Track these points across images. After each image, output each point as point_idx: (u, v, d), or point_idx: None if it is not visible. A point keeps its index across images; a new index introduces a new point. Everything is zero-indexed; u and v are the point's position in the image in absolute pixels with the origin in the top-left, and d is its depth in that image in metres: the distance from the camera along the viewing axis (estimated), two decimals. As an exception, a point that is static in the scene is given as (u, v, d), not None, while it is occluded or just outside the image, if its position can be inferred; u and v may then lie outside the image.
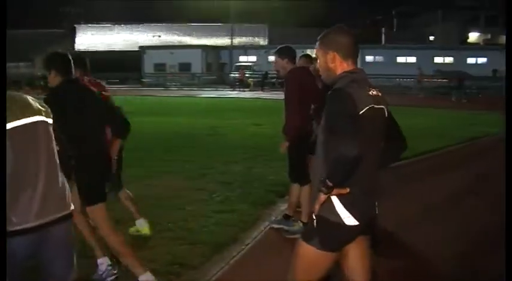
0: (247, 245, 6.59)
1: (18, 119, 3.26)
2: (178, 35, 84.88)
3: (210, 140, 14.94)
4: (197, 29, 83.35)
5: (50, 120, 3.50)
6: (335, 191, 3.27)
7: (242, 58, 66.92)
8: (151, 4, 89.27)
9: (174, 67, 66.22)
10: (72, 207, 3.55)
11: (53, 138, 3.47)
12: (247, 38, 79.48)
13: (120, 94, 38.89)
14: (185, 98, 37.41)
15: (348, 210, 3.34)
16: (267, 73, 50.32)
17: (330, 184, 3.23)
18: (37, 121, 3.38)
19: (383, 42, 76.24)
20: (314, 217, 3.40)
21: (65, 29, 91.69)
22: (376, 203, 3.62)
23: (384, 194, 3.89)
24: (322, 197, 3.28)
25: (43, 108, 3.49)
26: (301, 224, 6.72)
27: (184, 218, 7.42)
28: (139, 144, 13.85)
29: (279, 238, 6.84)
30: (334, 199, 3.34)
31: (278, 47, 6.85)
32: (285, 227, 7.02)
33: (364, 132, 3.21)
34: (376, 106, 3.37)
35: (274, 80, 48.17)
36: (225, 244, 6.43)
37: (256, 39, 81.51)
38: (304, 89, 6.52)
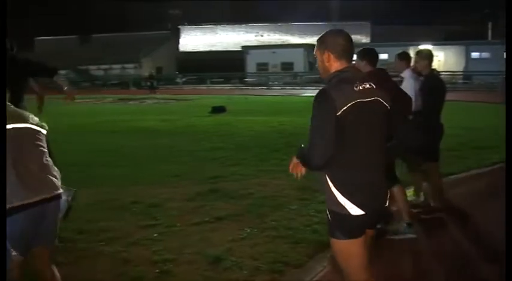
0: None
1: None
2: (280, 34, 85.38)
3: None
4: (299, 28, 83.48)
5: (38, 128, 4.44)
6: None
7: (344, 56, 66.34)
8: (254, 4, 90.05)
9: (276, 66, 66.56)
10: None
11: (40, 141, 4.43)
12: (350, 36, 78.96)
13: (224, 93, 39.51)
14: (287, 97, 37.55)
15: (349, 200, 3.60)
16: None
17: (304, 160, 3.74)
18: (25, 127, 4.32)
19: (489, 37, 73.60)
20: (327, 212, 3.75)
21: (169, 30, 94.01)
22: (385, 195, 3.86)
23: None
24: (295, 161, 3.88)
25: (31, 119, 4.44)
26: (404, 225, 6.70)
27: (287, 217, 7.47)
28: (243, 143, 14.13)
29: (384, 238, 6.75)
30: (335, 191, 3.64)
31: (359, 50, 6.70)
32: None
33: (351, 127, 3.54)
34: (364, 99, 3.59)
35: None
36: (328, 244, 6.42)
37: (358, 37, 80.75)
38: None
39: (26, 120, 4.37)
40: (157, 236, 6.70)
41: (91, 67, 79.11)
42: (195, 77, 66.36)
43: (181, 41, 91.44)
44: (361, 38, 78.56)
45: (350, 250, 3.74)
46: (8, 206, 3.98)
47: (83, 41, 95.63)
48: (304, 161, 3.80)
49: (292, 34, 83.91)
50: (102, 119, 22.24)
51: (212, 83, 61.87)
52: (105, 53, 78.52)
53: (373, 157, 3.70)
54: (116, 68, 76.70)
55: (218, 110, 24.08)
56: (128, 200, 8.41)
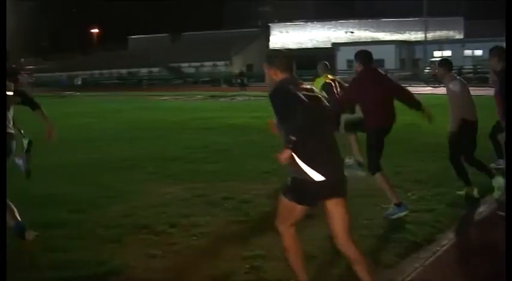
0: (442, 246, 6.41)
1: None
2: (370, 30, 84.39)
3: (406, 138, 14.65)
4: (390, 24, 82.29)
5: None
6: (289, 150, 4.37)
7: (436, 53, 64.94)
8: (344, 0, 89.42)
9: (367, 64, 65.79)
10: None
11: None
12: (442, 32, 77.03)
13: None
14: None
15: (311, 168, 4.42)
16: (461, 68, 48.26)
17: (288, 145, 4.35)
18: None
19: None
20: (289, 178, 4.63)
21: (259, 28, 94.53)
22: (340, 165, 4.78)
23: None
24: (287, 152, 4.39)
25: None
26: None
27: (379, 216, 7.39)
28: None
29: (477, 240, 6.59)
30: (300, 162, 4.44)
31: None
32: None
33: (304, 114, 4.36)
34: (310, 94, 4.62)
35: (470, 75, 46.10)
36: (421, 244, 6.31)
37: (451, 33, 78.75)
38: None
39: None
40: (249, 232, 6.75)
41: (183, 65, 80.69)
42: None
43: (271, 38, 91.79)
44: (454, 34, 76.63)
45: (293, 212, 4.74)
46: None
47: (174, 39, 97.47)
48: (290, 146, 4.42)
49: (383, 30, 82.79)
50: (194, 116, 22.65)
51: (302, 80, 61.85)
52: (196, 51, 79.88)
53: (326, 135, 4.70)
54: (207, 66, 77.95)
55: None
56: (219, 196, 8.52)
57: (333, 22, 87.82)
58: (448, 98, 8.31)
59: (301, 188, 4.54)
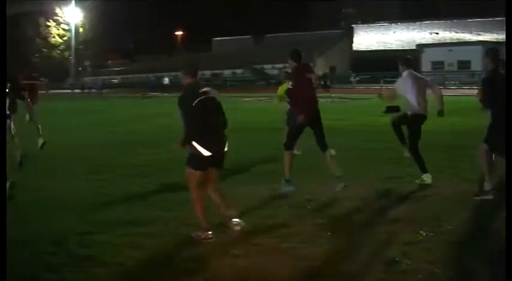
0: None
1: None
2: (456, 31, 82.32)
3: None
4: (476, 25, 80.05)
5: None
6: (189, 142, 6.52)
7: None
8: (428, 1, 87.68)
9: (453, 65, 64.39)
10: None
11: None
12: (531, 31, 74.45)
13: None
14: (463, 98, 36.08)
15: (203, 147, 6.51)
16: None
17: (188, 135, 6.51)
18: None
19: None
20: (188, 156, 6.74)
21: (343, 29, 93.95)
22: (223, 145, 6.76)
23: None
24: (180, 142, 6.61)
25: None
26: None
27: (466, 222, 7.24)
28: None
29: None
30: (196, 144, 6.51)
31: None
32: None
33: (202, 112, 6.46)
34: (207, 97, 6.58)
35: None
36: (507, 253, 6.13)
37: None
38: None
39: None
40: (332, 235, 6.73)
41: (266, 66, 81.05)
42: (368, 76, 65.84)
43: (354, 39, 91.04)
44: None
45: (193, 176, 6.72)
46: None
47: (258, 41, 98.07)
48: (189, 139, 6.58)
49: (469, 31, 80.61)
50: (276, 118, 22.69)
51: (386, 82, 61.09)
52: (279, 53, 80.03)
53: (217, 127, 6.74)
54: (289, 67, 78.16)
55: (392, 109, 23.60)
56: (302, 198, 8.54)
57: (418, 23, 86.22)
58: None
59: (196, 161, 6.64)
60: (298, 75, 9.32)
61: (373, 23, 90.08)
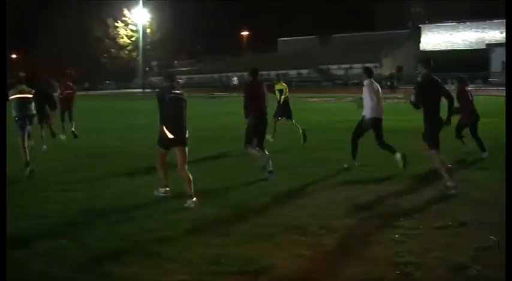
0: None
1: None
2: (529, 30, 79.88)
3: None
4: (551, 23, 77.47)
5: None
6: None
7: None
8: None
9: (525, 65, 62.52)
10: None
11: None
12: None
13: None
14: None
15: (169, 131, 8.70)
16: None
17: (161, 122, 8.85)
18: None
19: None
20: (158, 138, 9.02)
21: (410, 29, 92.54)
22: (183, 131, 8.83)
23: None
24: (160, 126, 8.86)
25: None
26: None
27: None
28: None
29: None
30: (164, 129, 8.71)
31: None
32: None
33: (170, 106, 8.84)
34: (175, 96, 8.93)
35: None
36: None
37: None
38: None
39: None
40: (399, 237, 6.66)
41: (332, 67, 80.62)
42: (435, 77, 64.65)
43: (422, 39, 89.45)
44: None
45: (159, 151, 9.07)
46: None
47: (324, 41, 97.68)
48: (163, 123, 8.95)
49: (543, 30, 78.09)
50: (343, 118, 22.58)
51: (454, 83, 59.83)
52: (345, 53, 79.61)
53: (181, 117, 8.92)
54: (357, 68, 77.18)
55: (459, 111, 23.26)
56: (370, 200, 8.51)
57: (487, 22, 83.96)
58: None
59: (164, 141, 8.94)
60: (251, 88, 11.34)
61: (441, 22, 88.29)
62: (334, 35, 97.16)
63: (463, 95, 13.48)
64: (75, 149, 15.47)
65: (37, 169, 11.37)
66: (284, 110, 16.19)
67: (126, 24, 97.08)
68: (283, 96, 16.24)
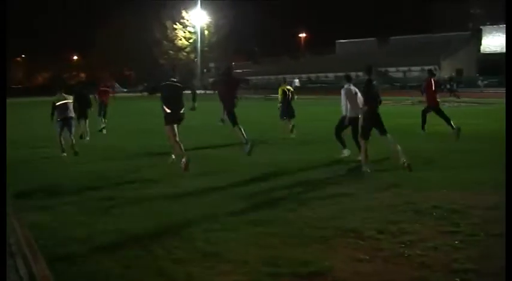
0: None
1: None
2: None
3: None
4: None
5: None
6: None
7: None
8: None
9: None
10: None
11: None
12: None
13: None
14: None
15: (169, 109, 12.45)
16: None
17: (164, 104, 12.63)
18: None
19: None
20: (164, 116, 12.64)
21: (470, 31, 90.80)
22: (180, 111, 12.53)
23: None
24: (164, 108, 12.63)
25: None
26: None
27: None
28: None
29: None
30: (165, 108, 12.49)
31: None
32: None
33: (165, 90, 12.63)
34: (169, 82, 12.57)
35: None
36: None
37: None
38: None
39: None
40: (458, 243, 6.51)
41: (390, 69, 79.77)
42: (496, 80, 63.23)
43: (483, 41, 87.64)
44: None
45: (169, 129, 12.41)
46: None
47: (382, 43, 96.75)
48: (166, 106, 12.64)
49: None
50: (401, 122, 22.33)
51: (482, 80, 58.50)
52: (404, 55, 78.68)
53: (178, 100, 12.51)
54: (415, 70, 76.30)
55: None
56: (428, 204, 8.34)
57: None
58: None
59: (167, 118, 12.34)
60: (224, 85, 15.34)
61: (502, 24, 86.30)
62: (392, 37, 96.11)
63: (428, 84, 17.65)
64: (137, 150, 15.81)
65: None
66: (289, 110, 18.91)
67: (185, 26, 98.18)
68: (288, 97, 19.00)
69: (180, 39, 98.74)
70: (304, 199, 8.89)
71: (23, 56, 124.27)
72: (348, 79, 13.87)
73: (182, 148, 12.28)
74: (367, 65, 12.86)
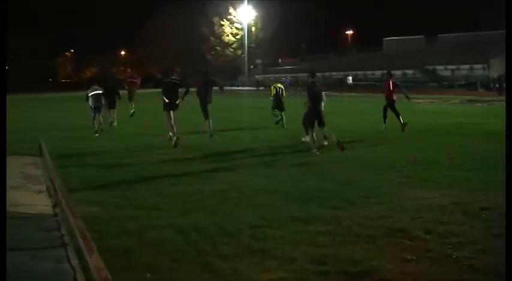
0: None
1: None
2: None
3: None
4: None
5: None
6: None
7: None
8: None
9: None
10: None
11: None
12: None
13: None
14: None
15: (165, 98, 16.65)
16: None
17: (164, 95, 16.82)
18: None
19: None
20: (162, 104, 17.12)
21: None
22: (175, 99, 16.65)
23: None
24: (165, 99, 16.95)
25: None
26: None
27: None
28: None
29: None
30: (164, 99, 16.68)
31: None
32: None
33: (165, 86, 16.89)
34: (169, 80, 16.92)
35: None
36: None
37: None
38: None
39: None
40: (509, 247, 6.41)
41: (438, 67, 78.65)
42: (549, 79, 61.71)
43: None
44: None
45: (166, 114, 16.59)
46: None
47: (430, 41, 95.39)
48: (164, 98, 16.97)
49: None
50: (449, 121, 22.05)
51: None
52: (452, 53, 77.40)
53: (175, 93, 16.74)
54: (464, 69, 74.98)
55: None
56: (477, 206, 8.22)
57: None
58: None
59: (165, 106, 16.55)
60: (202, 83, 18.51)
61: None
62: (440, 35, 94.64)
63: (387, 85, 20.26)
64: (181, 144, 15.97)
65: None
66: (279, 104, 22.11)
67: (232, 22, 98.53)
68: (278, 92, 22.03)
69: (227, 36, 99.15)
70: (352, 198, 8.86)
71: (72, 50, 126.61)
72: (312, 76, 15.76)
73: (175, 130, 16.19)
74: (311, 70, 16.19)
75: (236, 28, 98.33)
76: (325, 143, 15.22)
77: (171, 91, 16.52)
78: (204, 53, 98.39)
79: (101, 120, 20.41)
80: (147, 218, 7.78)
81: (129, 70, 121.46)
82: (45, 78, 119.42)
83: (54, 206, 7.87)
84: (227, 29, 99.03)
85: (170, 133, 16.42)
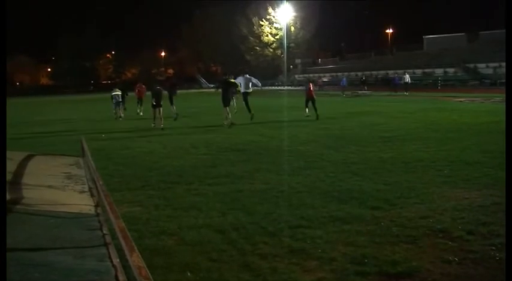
0: None
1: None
2: None
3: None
4: None
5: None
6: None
7: None
8: None
9: None
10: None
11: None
12: None
13: None
14: None
15: (153, 100, 23.87)
16: None
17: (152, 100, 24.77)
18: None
19: None
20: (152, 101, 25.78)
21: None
22: (159, 101, 23.83)
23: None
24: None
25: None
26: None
27: None
28: None
29: None
30: (152, 99, 24.03)
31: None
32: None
33: (154, 91, 24.38)
34: (158, 88, 24.51)
35: None
36: None
37: None
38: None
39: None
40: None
41: (479, 65, 77.48)
42: None
43: None
44: None
45: (152, 110, 24.15)
46: None
47: (471, 38, 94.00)
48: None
49: None
50: (491, 119, 21.68)
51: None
52: (494, 51, 76.11)
53: (159, 95, 24.22)
54: (489, 67, 73.68)
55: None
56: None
57: None
58: None
59: (153, 105, 23.81)
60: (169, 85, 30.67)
61: None
62: (482, 32, 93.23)
63: (308, 87, 26.23)
64: (219, 144, 16.06)
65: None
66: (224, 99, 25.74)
67: (271, 22, 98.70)
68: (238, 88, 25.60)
69: (267, 36, 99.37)
70: (391, 198, 8.78)
71: (113, 52, 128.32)
72: (245, 72, 25.80)
73: (162, 121, 23.04)
74: (243, 70, 24.24)
75: (275, 28, 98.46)
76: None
77: (156, 95, 23.62)
78: (244, 53, 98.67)
79: (120, 112, 31.09)
80: (187, 218, 7.85)
81: (170, 71, 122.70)
82: (88, 80, 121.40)
83: (96, 205, 7.98)
84: (266, 29, 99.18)
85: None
